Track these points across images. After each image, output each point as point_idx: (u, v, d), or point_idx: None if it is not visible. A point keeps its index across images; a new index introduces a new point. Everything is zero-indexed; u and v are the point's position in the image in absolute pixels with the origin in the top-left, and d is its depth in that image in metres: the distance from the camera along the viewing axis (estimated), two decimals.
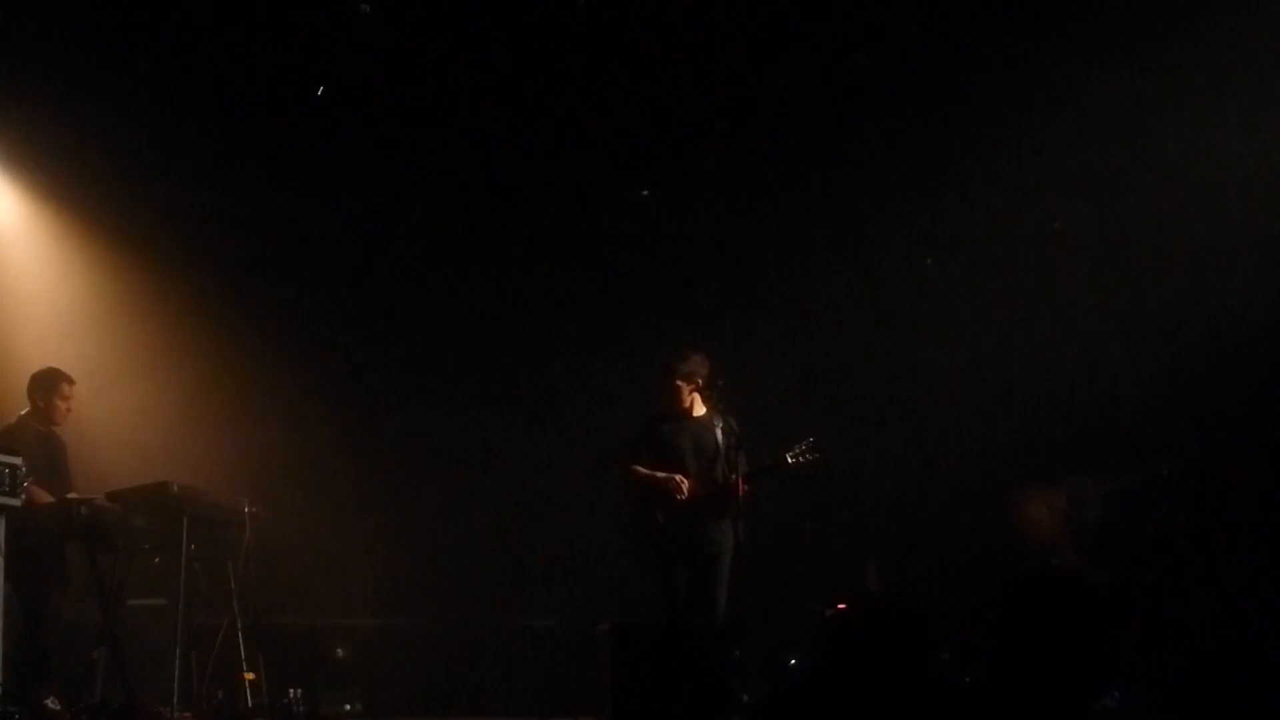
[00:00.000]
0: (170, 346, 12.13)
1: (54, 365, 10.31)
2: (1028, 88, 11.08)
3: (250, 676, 10.18)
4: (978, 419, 11.94)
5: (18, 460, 9.08)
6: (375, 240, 12.61)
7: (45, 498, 9.73)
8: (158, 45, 10.52)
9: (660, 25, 10.71)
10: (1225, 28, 10.27)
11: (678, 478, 9.67)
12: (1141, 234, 11.20)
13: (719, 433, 9.76)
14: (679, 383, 9.82)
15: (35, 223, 12.05)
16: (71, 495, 9.90)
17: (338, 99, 11.14)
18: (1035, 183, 11.66)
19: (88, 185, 11.84)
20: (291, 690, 10.51)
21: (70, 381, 10.23)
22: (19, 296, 11.91)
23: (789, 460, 9.67)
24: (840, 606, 11.28)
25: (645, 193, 12.49)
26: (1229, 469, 11.04)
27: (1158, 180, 11.06)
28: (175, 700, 9.53)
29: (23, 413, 10.13)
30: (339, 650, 11.35)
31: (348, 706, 10.93)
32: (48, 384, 10.18)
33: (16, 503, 9.04)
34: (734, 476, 9.61)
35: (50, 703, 9.23)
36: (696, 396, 9.87)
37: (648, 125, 11.62)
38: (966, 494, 11.81)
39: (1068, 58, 10.73)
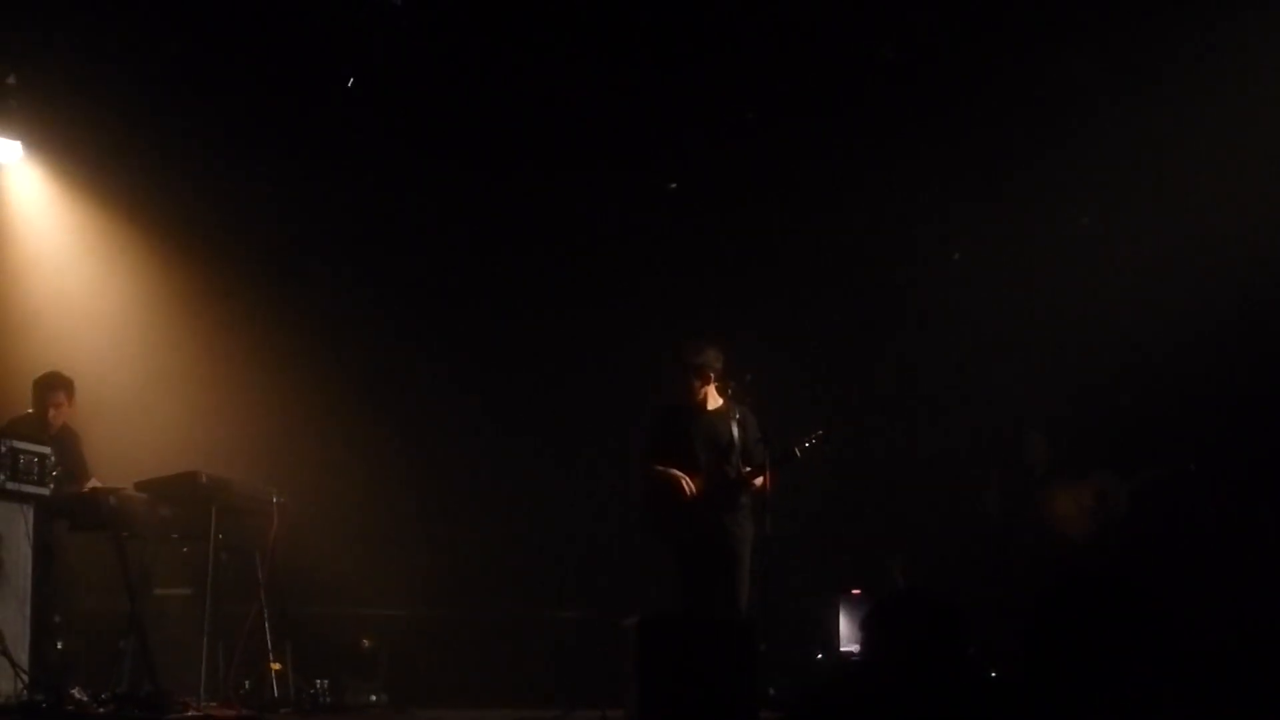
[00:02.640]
0: (200, 337, 12.16)
1: (52, 370, 10.42)
2: (1057, 81, 11.05)
3: (276, 666, 10.22)
4: (1004, 414, 11.90)
5: (47, 450, 9.16)
6: (404, 234, 12.62)
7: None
8: (198, 34, 10.54)
9: (689, 15, 10.70)
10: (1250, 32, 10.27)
11: (684, 480, 9.67)
12: (1170, 228, 11.15)
13: (735, 425, 9.75)
14: (692, 376, 9.81)
15: (72, 213, 12.10)
16: (97, 484, 9.98)
17: (369, 91, 11.15)
18: (1064, 177, 11.62)
19: (123, 176, 11.89)
20: (318, 680, 10.53)
21: (58, 388, 10.37)
22: (57, 288, 11.96)
23: (796, 453, 9.64)
24: (855, 591, 11.37)
25: (673, 185, 12.48)
26: (1257, 464, 11.00)
27: (1188, 176, 11.00)
28: (202, 690, 9.57)
29: (29, 411, 10.25)
30: (365, 641, 11.37)
31: (373, 697, 10.95)
32: (40, 390, 10.39)
33: (45, 492, 9.12)
34: (748, 470, 9.62)
35: (77, 692, 9.25)
36: (712, 389, 9.85)
37: (675, 117, 11.61)
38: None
39: (1094, 54, 10.71)
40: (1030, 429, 11.49)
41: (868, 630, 5.52)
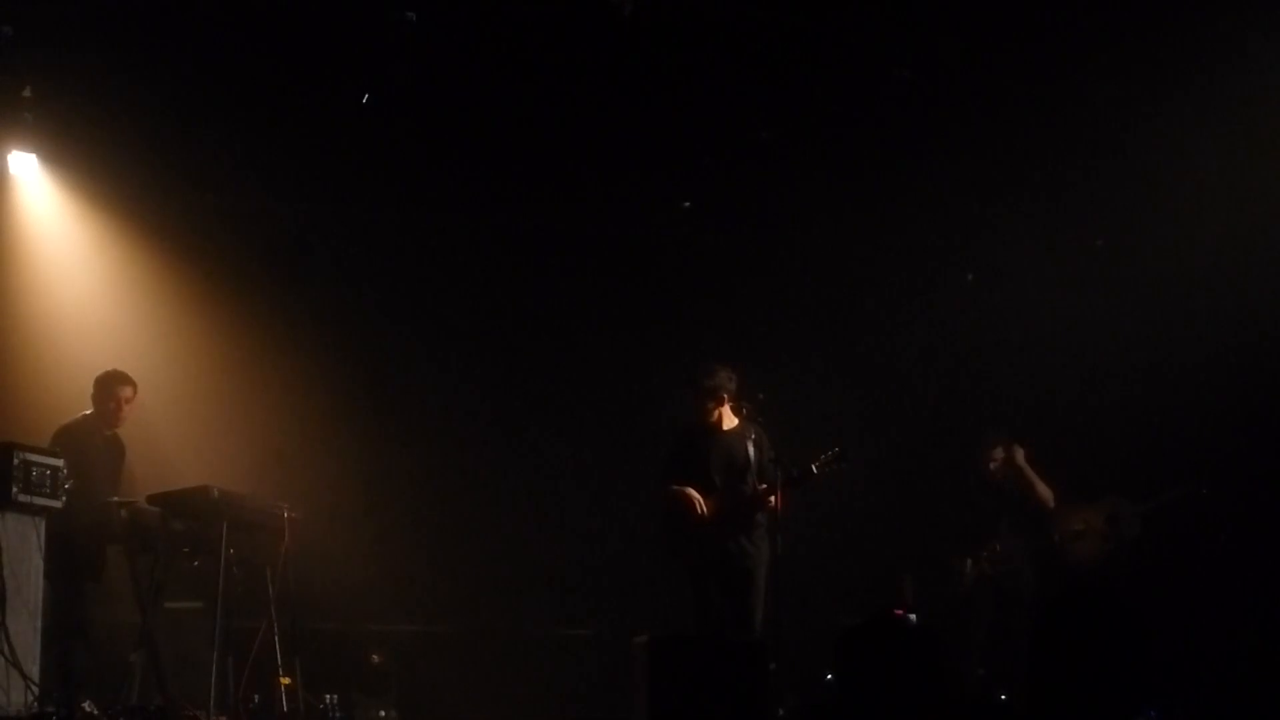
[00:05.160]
0: (213, 350, 12.16)
1: (115, 368, 10.46)
2: (1069, 104, 11.02)
3: (286, 681, 10.20)
4: (1017, 436, 11.89)
5: (60, 462, 9.15)
6: (418, 251, 12.64)
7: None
8: (212, 48, 10.54)
9: (704, 36, 10.70)
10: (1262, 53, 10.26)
11: (697, 501, 9.67)
12: (1181, 251, 11.15)
13: (750, 445, 9.76)
14: (704, 398, 9.82)
15: (86, 225, 12.10)
16: (112, 498, 10.00)
17: (383, 106, 11.15)
18: (1076, 199, 11.62)
19: (137, 189, 11.90)
20: (327, 696, 10.55)
21: (126, 383, 10.38)
22: (71, 301, 11.98)
23: (814, 470, 9.65)
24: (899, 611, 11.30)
25: (686, 204, 12.48)
26: (1269, 487, 10.98)
27: (1200, 198, 11.00)
28: (211, 704, 9.58)
29: (86, 413, 10.27)
30: (375, 656, 11.37)
31: (382, 713, 10.95)
32: (103, 386, 10.36)
33: (58, 504, 9.10)
34: (763, 487, 9.62)
35: (87, 705, 9.26)
36: (726, 410, 9.87)
37: (689, 136, 11.61)
38: None
39: (1109, 72, 10.70)
40: (989, 438, 11.46)
41: (844, 657, 5.49)
